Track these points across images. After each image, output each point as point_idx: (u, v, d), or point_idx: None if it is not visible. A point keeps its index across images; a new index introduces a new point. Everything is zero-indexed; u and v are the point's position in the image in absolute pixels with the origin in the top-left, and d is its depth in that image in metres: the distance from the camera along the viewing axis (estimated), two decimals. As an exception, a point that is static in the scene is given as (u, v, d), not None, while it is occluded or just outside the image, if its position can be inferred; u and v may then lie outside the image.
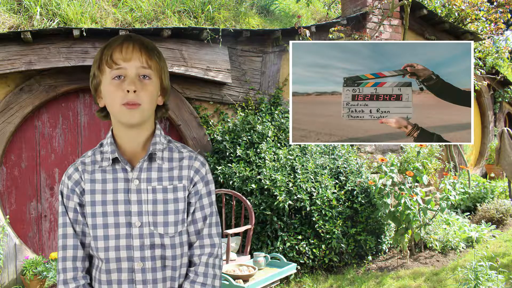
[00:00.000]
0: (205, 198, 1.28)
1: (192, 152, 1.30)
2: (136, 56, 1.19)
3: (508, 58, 8.93)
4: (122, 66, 1.18)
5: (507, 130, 6.41)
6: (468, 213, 5.88)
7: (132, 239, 1.19)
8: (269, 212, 4.07)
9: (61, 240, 1.22)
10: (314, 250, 4.13)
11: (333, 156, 4.71)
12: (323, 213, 4.18)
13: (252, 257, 3.87)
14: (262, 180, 4.10)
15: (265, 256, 3.65)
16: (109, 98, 1.19)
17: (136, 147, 1.25)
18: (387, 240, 4.72)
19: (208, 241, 1.27)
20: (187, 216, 1.26)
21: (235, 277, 3.27)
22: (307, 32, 5.04)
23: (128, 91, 1.16)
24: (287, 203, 4.04)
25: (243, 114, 4.75)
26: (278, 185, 4.06)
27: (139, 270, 1.19)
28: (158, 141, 1.26)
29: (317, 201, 4.14)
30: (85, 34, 3.99)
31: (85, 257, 1.22)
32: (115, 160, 1.23)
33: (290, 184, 4.12)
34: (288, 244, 4.05)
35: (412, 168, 4.58)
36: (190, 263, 1.27)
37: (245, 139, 4.48)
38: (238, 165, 4.27)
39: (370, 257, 4.55)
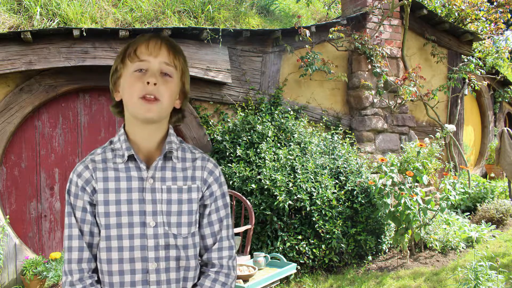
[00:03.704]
0: (220, 200, 1.27)
1: (204, 154, 1.29)
2: (162, 53, 1.19)
3: (508, 58, 8.92)
4: (146, 59, 1.17)
5: (507, 130, 6.41)
6: (468, 213, 5.88)
7: (147, 239, 1.17)
8: (269, 212, 4.07)
9: (67, 242, 1.18)
10: (314, 250, 4.13)
11: (333, 156, 4.71)
12: (323, 213, 4.18)
13: (252, 257, 3.87)
14: (262, 180, 4.10)
15: (265, 256, 3.65)
16: (128, 90, 1.18)
17: (151, 146, 1.23)
18: (387, 240, 4.72)
19: (227, 243, 1.26)
20: (203, 218, 1.25)
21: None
22: (307, 32, 5.04)
23: (148, 83, 1.15)
24: (287, 203, 4.04)
25: (243, 114, 4.75)
26: (278, 185, 4.06)
27: (153, 270, 1.17)
28: (172, 140, 1.24)
29: (317, 201, 4.14)
30: (85, 34, 3.99)
31: (91, 259, 1.19)
32: (129, 158, 1.20)
33: (290, 184, 4.12)
34: (288, 244, 4.05)
35: (412, 168, 4.58)
36: (207, 265, 1.27)
37: (245, 139, 4.48)
38: (238, 165, 4.27)
39: (370, 257, 4.55)
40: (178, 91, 1.24)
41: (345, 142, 5.01)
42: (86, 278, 1.17)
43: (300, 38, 5.09)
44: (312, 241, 4.15)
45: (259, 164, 4.25)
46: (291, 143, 4.57)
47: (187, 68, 1.27)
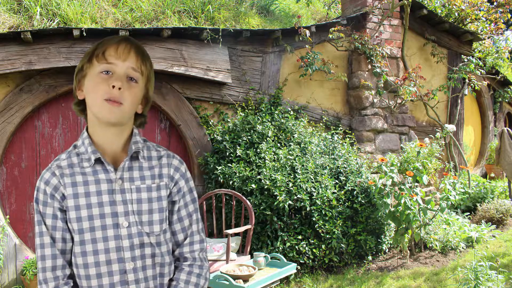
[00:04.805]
0: (188, 195, 1.30)
1: (169, 151, 1.32)
2: (130, 58, 1.19)
3: (508, 58, 8.92)
4: (113, 62, 1.18)
5: (507, 130, 6.41)
6: (468, 213, 5.88)
7: (121, 240, 1.18)
8: (269, 212, 4.07)
9: (39, 250, 1.18)
10: (314, 250, 4.13)
11: (333, 156, 4.71)
12: (323, 213, 4.18)
13: (252, 257, 3.87)
14: (262, 180, 4.10)
15: (265, 256, 3.65)
16: (92, 91, 1.18)
17: (117, 148, 1.24)
18: (387, 240, 4.72)
19: (198, 237, 1.30)
20: (172, 214, 1.28)
21: (235, 277, 3.27)
22: (307, 32, 5.04)
23: (113, 87, 1.15)
24: (287, 203, 4.04)
25: (243, 114, 4.75)
26: (278, 185, 4.06)
27: (130, 270, 1.19)
28: (138, 140, 1.26)
29: (317, 201, 4.14)
30: (85, 34, 3.99)
31: (65, 265, 1.19)
32: (95, 161, 1.20)
33: (290, 184, 4.12)
34: (288, 244, 4.05)
35: (412, 168, 4.58)
36: (180, 259, 1.30)
37: (245, 139, 4.48)
38: (238, 165, 4.27)
39: (370, 257, 4.55)
40: (141, 97, 1.25)
41: (345, 142, 5.01)
42: (62, 286, 1.18)
43: (300, 38, 5.09)
44: (312, 241, 4.15)
45: (259, 164, 4.25)
46: (291, 143, 4.56)
47: (153, 74, 1.28)
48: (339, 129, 5.36)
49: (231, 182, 4.21)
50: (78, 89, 1.24)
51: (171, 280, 1.27)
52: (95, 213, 1.17)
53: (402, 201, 4.23)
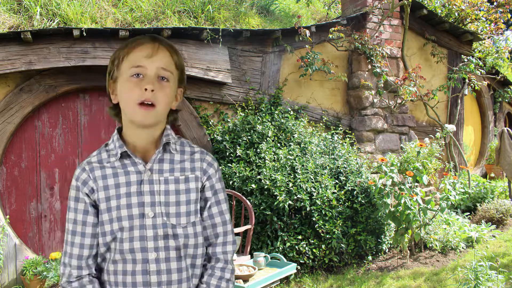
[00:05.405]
0: (221, 193, 1.30)
1: (203, 149, 1.33)
2: (158, 57, 1.19)
3: (508, 58, 8.92)
4: (143, 64, 1.18)
5: (507, 130, 6.41)
6: (468, 213, 5.88)
7: (146, 230, 1.19)
8: (269, 212, 4.07)
9: (70, 236, 1.21)
10: (314, 250, 4.13)
11: (333, 156, 4.70)
12: (323, 213, 4.18)
13: (252, 257, 3.87)
14: (262, 180, 4.10)
15: (265, 256, 3.65)
16: (125, 95, 1.19)
17: (148, 144, 1.25)
18: (387, 240, 4.72)
19: (230, 238, 1.30)
20: (204, 210, 1.28)
21: (235, 277, 3.27)
22: (307, 32, 5.05)
23: (146, 90, 1.16)
24: (287, 203, 4.04)
25: (243, 114, 4.75)
26: (278, 185, 4.06)
27: (153, 260, 1.19)
28: (170, 133, 1.27)
29: (317, 201, 4.14)
30: (85, 34, 3.99)
31: (90, 256, 1.22)
32: (123, 155, 1.22)
33: (290, 184, 4.12)
34: (288, 244, 4.05)
35: (412, 168, 4.58)
36: (211, 259, 1.29)
37: (245, 139, 4.48)
38: (238, 165, 4.27)
39: (370, 257, 4.55)
40: (174, 94, 1.25)
41: (345, 142, 5.01)
42: (85, 277, 1.21)
43: (300, 38, 5.09)
44: (312, 241, 4.15)
45: (259, 164, 4.25)
46: (291, 143, 4.56)
47: (184, 64, 1.28)
48: (339, 129, 5.36)
49: (231, 182, 4.21)
50: (111, 94, 1.25)
51: (201, 283, 1.27)
52: (122, 203, 1.19)
53: (402, 201, 4.23)
